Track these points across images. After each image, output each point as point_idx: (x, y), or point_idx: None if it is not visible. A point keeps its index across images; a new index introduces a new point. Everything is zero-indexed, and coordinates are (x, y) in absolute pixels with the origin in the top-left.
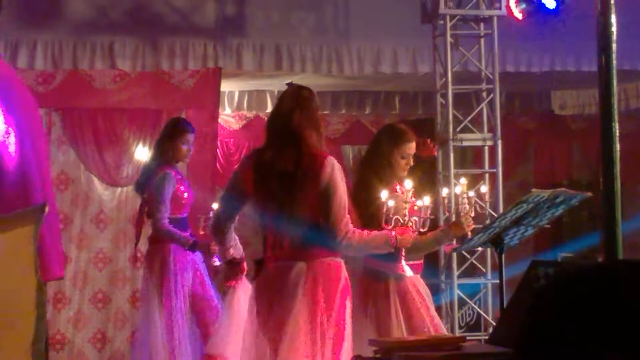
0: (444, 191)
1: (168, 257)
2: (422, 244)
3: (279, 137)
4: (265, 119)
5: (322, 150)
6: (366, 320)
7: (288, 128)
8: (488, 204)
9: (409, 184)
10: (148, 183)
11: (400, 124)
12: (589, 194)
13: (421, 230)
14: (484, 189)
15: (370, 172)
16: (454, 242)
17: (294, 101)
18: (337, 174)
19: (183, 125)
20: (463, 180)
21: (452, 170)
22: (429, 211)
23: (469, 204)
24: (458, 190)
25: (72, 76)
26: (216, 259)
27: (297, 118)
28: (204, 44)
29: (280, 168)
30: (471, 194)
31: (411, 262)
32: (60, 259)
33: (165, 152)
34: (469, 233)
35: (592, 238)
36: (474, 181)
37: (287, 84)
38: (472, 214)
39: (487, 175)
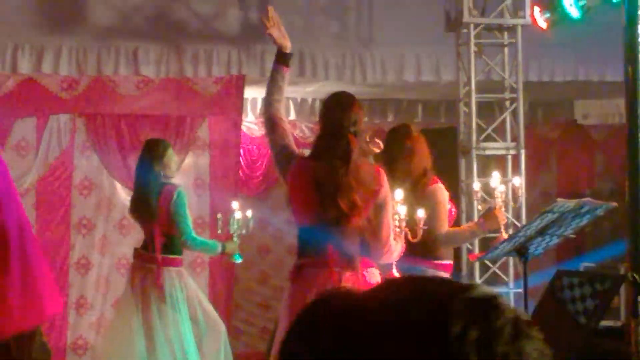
0: (476, 185)
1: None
2: (458, 236)
3: (335, 151)
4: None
5: (375, 163)
6: None
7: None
8: (521, 197)
9: (399, 194)
10: (158, 203)
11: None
12: (615, 204)
13: (412, 240)
14: (517, 181)
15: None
16: (477, 250)
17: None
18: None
19: (164, 143)
20: (496, 174)
21: (475, 179)
22: (422, 222)
23: (502, 199)
24: (493, 183)
25: (96, 82)
26: (239, 256)
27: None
28: (228, 50)
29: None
30: (502, 188)
31: (442, 262)
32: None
33: (158, 174)
34: (502, 227)
35: (614, 248)
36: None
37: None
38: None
39: (509, 185)
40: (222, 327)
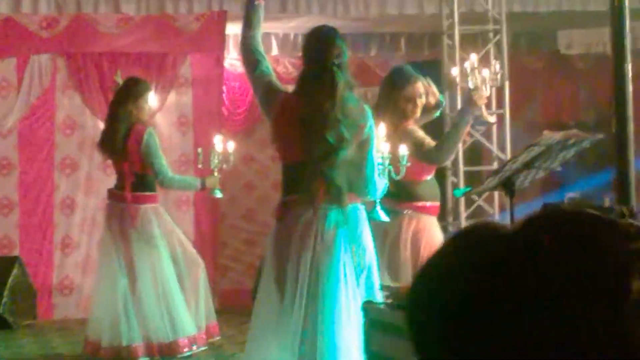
0: (454, 70)
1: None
2: (445, 139)
3: (321, 86)
4: (271, 62)
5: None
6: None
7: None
8: (499, 78)
9: (382, 130)
10: (126, 142)
11: (403, 67)
12: (601, 135)
13: (397, 177)
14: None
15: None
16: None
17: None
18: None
19: (144, 85)
20: (473, 57)
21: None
22: (405, 159)
23: (481, 80)
24: (467, 66)
25: (76, 20)
26: (219, 191)
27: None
28: None
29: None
30: (485, 73)
31: (425, 204)
32: None
33: (130, 113)
34: (484, 108)
35: (599, 178)
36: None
37: None
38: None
39: (494, 117)
40: (201, 263)
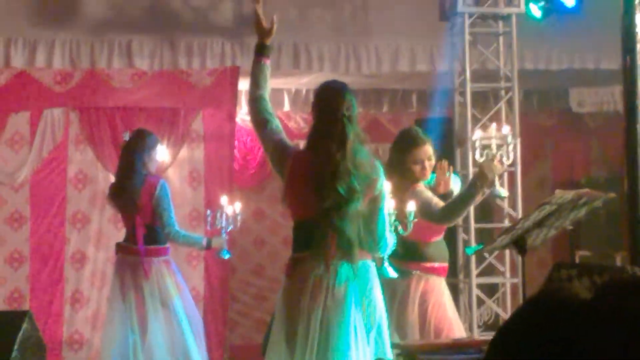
0: (477, 134)
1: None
2: (453, 203)
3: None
4: (282, 117)
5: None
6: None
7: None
8: (511, 152)
9: (387, 186)
10: (139, 194)
11: (412, 129)
12: (613, 195)
13: (405, 233)
14: (506, 129)
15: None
16: (474, 243)
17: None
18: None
19: (154, 137)
20: (493, 126)
21: (471, 169)
22: (412, 215)
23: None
24: (477, 135)
25: (90, 75)
26: (226, 252)
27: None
28: (222, 42)
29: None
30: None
31: (437, 265)
32: None
33: (143, 165)
34: (497, 182)
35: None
36: None
37: None
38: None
39: (505, 174)
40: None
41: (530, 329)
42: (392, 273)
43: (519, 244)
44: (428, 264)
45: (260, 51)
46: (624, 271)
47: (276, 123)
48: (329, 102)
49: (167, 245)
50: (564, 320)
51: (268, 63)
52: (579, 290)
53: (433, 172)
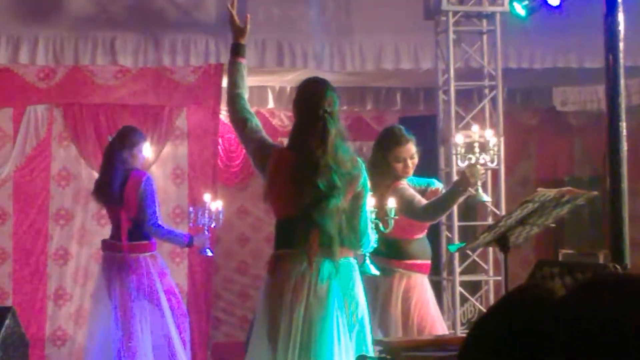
0: (459, 138)
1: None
2: (437, 202)
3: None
4: (267, 114)
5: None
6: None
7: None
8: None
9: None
10: (124, 188)
11: (394, 128)
12: (595, 193)
13: (386, 230)
14: (489, 133)
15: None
16: (457, 240)
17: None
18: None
19: (139, 133)
20: (475, 128)
21: (455, 168)
22: (392, 212)
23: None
24: (460, 140)
25: (73, 72)
26: (208, 250)
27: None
28: (206, 40)
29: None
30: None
31: (419, 262)
32: None
33: (125, 160)
34: (480, 187)
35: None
36: None
37: None
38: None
39: (489, 172)
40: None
41: (504, 324)
42: (374, 270)
43: (502, 242)
44: (410, 261)
45: (236, 51)
46: (607, 269)
47: (255, 121)
48: (310, 99)
49: (153, 240)
50: (536, 316)
51: (244, 62)
52: (554, 287)
53: (421, 176)
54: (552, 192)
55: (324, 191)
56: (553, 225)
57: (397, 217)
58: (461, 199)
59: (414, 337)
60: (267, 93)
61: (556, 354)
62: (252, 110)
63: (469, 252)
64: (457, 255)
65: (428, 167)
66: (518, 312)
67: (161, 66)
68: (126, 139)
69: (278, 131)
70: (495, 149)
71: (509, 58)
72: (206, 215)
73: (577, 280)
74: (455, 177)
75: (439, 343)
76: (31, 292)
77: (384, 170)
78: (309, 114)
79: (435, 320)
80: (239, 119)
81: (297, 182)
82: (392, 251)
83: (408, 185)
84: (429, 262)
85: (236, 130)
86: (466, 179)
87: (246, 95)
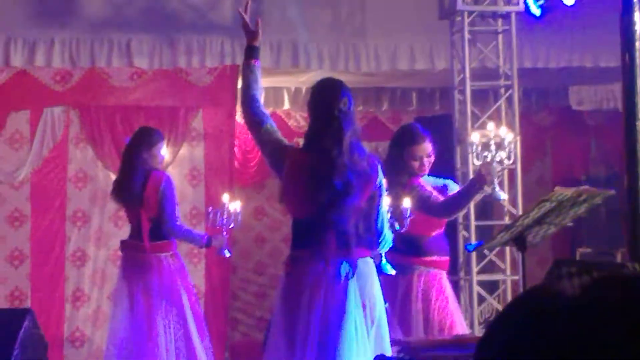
0: (475, 136)
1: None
2: (452, 199)
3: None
4: (282, 115)
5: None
6: (392, 314)
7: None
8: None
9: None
10: (144, 188)
11: (411, 126)
12: (612, 192)
13: (402, 230)
14: (504, 130)
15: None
16: (474, 240)
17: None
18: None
19: (158, 134)
20: (491, 126)
21: (471, 167)
22: (408, 212)
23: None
24: (476, 139)
25: (89, 74)
26: (227, 251)
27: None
28: (221, 41)
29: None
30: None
31: (437, 258)
32: None
33: (145, 161)
34: (496, 184)
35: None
36: None
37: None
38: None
39: (505, 172)
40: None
41: (515, 326)
42: (391, 270)
43: (519, 241)
44: (429, 258)
45: (250, 53)
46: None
47: (271, 123)
48: (325, 100)
49: (173, 239)
50: (548, 317)
51: (258, 64)
52: (565, 287)
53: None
54: (569, 192)
55: (340, 190)
56: (570, 224)
57: (412, 217)
58: (477, 197)
59: (434, 336)
60: (283, 94)
61: (568, 354)
62: (268, 111)
63: (486, 251)
64: (474, 254)
65: (444, 167)
66: (529, 313)
67: (177, 68)
68: (145, 139)
69: (294, 132)
70: (512, 146)
71: (524, 58)
72: (224, 216)
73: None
74: (471, 177)
75: (457, 343)
76: (49, 293)
77: (400, 168)
78: (323, 114)
79: (455, 318)
80: (254, 121)
81: (313, 182)
82: (410, 248)
83: (425, 182)
84: (447, 258)
85: (252, 132)
86: (482, 176)
87: (261, 97)
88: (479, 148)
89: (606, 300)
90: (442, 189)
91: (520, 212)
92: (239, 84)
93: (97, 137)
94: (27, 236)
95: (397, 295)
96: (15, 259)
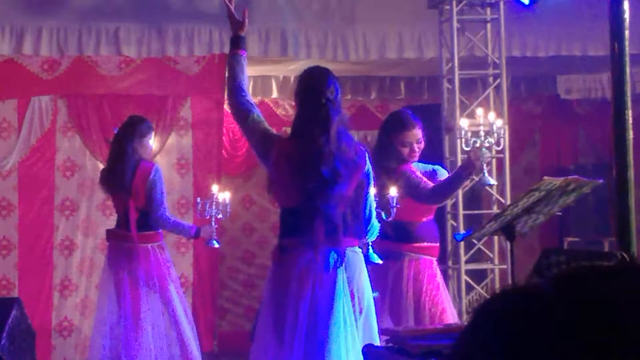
0: (464, 122)
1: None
2: (443, 184)
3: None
4: (271, 104)
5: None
6: (382, 302)
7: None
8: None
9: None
10: (133, 178)
11: (401, 112)
12: (601, 181)
13: (388, 219)
14: (492, 116)
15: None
16: (462, 229)
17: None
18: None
19: (148, 124)
20: (480, 112)
21: (459, 156)
22: (394, 201)
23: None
24: (465, 124)
25: (77, 62)
26: (215, 242)
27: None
28: (210, 29)
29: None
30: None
31: (427, 245)
32: None
33: (135, 150)
34: (485, 170)
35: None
36: None
37: None
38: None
39: (493, 161)
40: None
41: (490, 325)
42: (378, 259)
43: (508, 231)
44: (418, 244)
45: (236, 43)
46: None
47: (257, 112)
48: (312, 88)
49: (160, 230)
50: (523, 312)
51: (244, 54)
52: (538, 283)
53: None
54: (558, 181)
55: (328, 179)
56: (559, 214)
57: (399, 206)
58: (466, 182)
59: (424, 324)
60: (271, 83)
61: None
62: (256, 100)
63: (474, 240)
64: (462, 243)
65: (432, 155)
66: (503, 312)
67: (165, 56)
68: (136, 129)
69: (282, 121)
70: (501, 132)
71: (512, 46)
72: (213, 206)
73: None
74: (460, 163)
75: (446, 332)
76: (37, 282)
77: (389, 155)
78: (311, 102)
79: (446, 306)
80: (241, 110)
81: (300, 170)
82: (399, 235)
83: (414, 168)
84: (437, 244)
85: (238, 123)
86: (472, 162)
87: (247, 87)
88: (468, 134)
89: (579, 295)
90: (432, 174)
91: (509, 201)
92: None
93: (85, 125)
94: (15, 225)
95: (387, 282)
96: (3, 248)
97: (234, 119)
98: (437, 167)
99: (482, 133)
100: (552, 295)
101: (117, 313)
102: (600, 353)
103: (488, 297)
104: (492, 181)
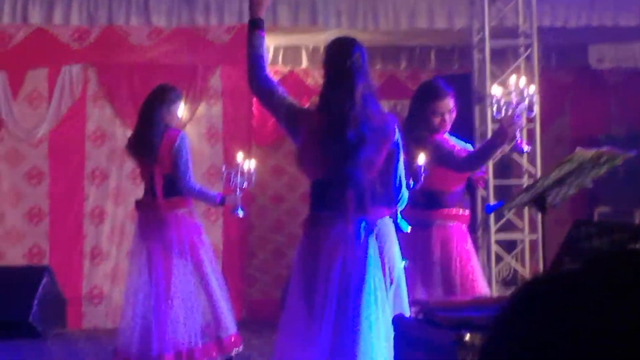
0: (496, 89)
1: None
2: (477, 152)
3: (340, 89)
4: (300, 74)
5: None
6: (413, 271)
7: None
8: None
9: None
10: (159, 145)
11: (434, 81)
12: (634, 153)
13: (416, 187)
14: (523, 81)
15: (406, 134)
16: (493, 201)
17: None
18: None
19: (177, 92)
20: (512, 80)
21: (490, 126)
22: (422, 169)
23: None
24: (498, 92)
25: (107, 32)
26: (240, 211)
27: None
28: None
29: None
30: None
31: (456, 211)
32: None
33: (163, 117)
34: (519, 136)
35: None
36: None
37: None
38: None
39: (524, 131)
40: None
41: (522, 313)
42: (407, 227)
43: (539, 202)
44: (447, 210)
45: (255, 24)
46: None
47: (281, 90)
48: (337, 57)
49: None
50: (555, 297)
51: (263, 35)
52: (571, 271)
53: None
54: (590, 153)
55: (354, 142)
56: (590, 185)
57: (426, 174)
58: (500, 152)
59: (455, 293)
60: (301, 52)
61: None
62: (285, 70)
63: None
64: (492, 214)
65: (463, 126)
66: (535, 299)
67: (194, 26)
68: (165, 96)
69: (312, 91)
70: (533, 98)
71: (543, 16)
72: (238, 175)
73: (614, 240)
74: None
75: (476, 304)
76: (68, 251)
77: (421, 124)
78: (336, 71)
79: (477, 275)
80: (264, 91)
81: (326, 138)
82: (429, 203)
83: (447, 137)
84: (467, 211)
85: (263, 102)
86: (505, 129)
87: (266, 65)
88: (501, 101)
89: (609, 277)
90: (463, 150)
91: (539, 171)
92: None
93: (115, 95)
94: (46, 194)
95: (416, 249)
96: (35, 217)
97: (257, 98)
98: (468, 145)
99: (514, 100)
100: (586, 283)
101: (148, 282)
102: (636, 341)
103: (521, 285)
104: (527, 148)
